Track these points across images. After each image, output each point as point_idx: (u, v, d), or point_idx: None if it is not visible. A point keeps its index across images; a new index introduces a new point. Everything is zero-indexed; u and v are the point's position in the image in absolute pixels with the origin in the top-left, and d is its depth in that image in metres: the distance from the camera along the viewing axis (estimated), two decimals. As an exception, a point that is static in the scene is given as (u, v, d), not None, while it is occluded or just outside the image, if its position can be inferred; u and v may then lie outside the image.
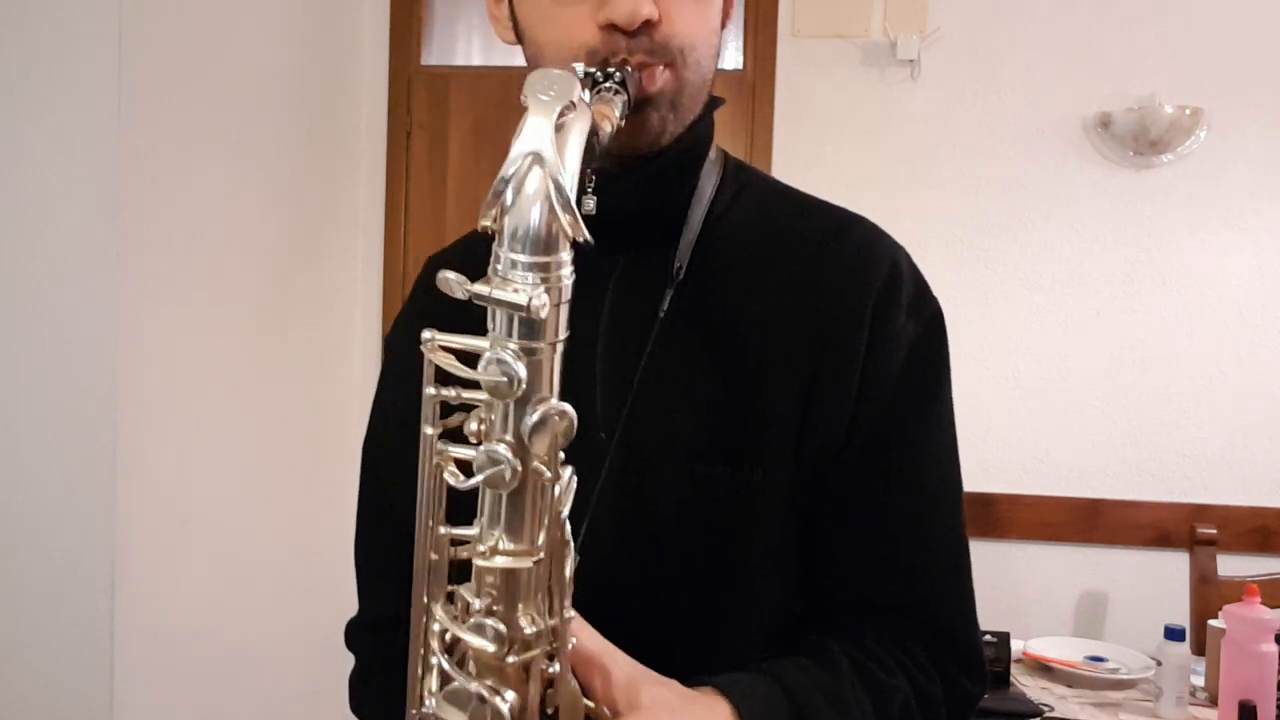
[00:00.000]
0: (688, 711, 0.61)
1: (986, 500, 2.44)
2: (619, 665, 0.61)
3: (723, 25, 0.75)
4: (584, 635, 0.60)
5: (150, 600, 1.60)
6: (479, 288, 0.51)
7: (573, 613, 0.58)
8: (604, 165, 0.62)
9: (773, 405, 0.72)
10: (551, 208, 0.51)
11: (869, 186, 2.48)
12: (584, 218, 0.70)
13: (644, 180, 0.73)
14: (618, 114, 0.61)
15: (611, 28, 0.66)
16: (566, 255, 0.53)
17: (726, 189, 0.79)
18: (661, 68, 0.69)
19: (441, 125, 2.58)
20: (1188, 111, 2.37)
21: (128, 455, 1.54)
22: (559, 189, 0.51)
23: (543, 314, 0.50)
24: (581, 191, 0.69)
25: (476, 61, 2.59)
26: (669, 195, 0.76)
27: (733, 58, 2.55)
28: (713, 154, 0.79)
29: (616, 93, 0.63)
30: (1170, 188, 2.45)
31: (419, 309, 0.86)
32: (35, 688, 1.51)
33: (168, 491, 1.66)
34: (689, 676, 0.64)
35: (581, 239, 0.52)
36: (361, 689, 0.84)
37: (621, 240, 0.75)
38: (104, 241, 1.50)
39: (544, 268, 0.51)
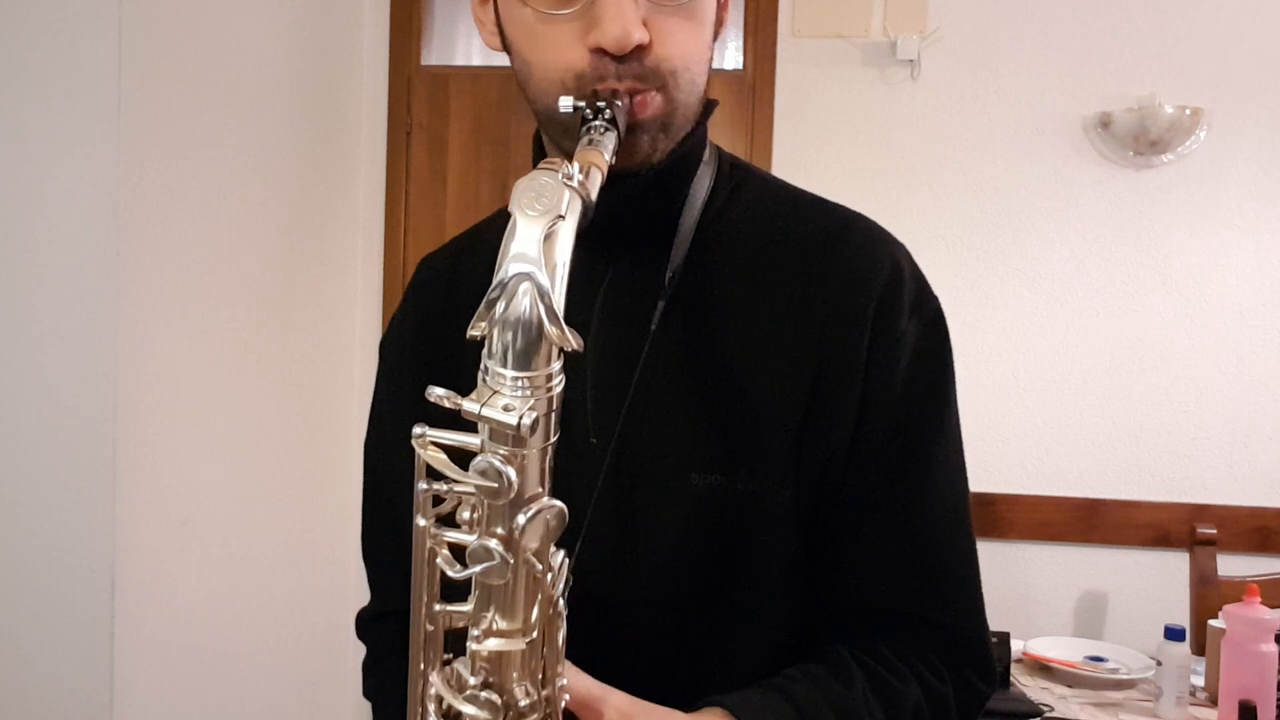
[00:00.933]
0: None
1: (986, 500, 2.44)
2: (613, 707, 0.60)
3: (716, 35, 0.73)
4: (576, 681, 0.60)
5: (150, 600, 1.60)
6: (469, 405, 0.51)
7: (565, 680, 0.58)
8: None
9: (772, 412, 0.70)
10: (540, 320, 0.51)
11: (869, 186, 2.48)
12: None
13: (635, 191, 0.71)
14: (608, 157, 0.60)
15: (601, 51, 0.64)
16: (556, 365, 0.53)
17: (721, 189, 0.78)
18: (653, 93, 0.67)
19: (441, 125, 2.58)
20: (1188, 111, 2.37)
21: (128, 455, 1.54)
22: (547, 302, 0.51)
23: (532, 433, 0.51)
24: None
25: (476, 61, 2.59)
26: (660, 205, 0.74)
27: (733, 58, 2.55)
28: (706, 154, 0.77)
29: (607, 130, 0.62)
30: (1170, 188, 2.45)
31: (411, 312, 0.86)
32: (35, 688, 1.51)
33: (168, 491, 1.66)
34: (690, 687, 0.63)
35: (570, 349, 0.52)
36: (373, 677, 0.85)
37: (611, 248, 0.74)
38: (104, 241, 1.50)
39: (533, 379, 0.52)
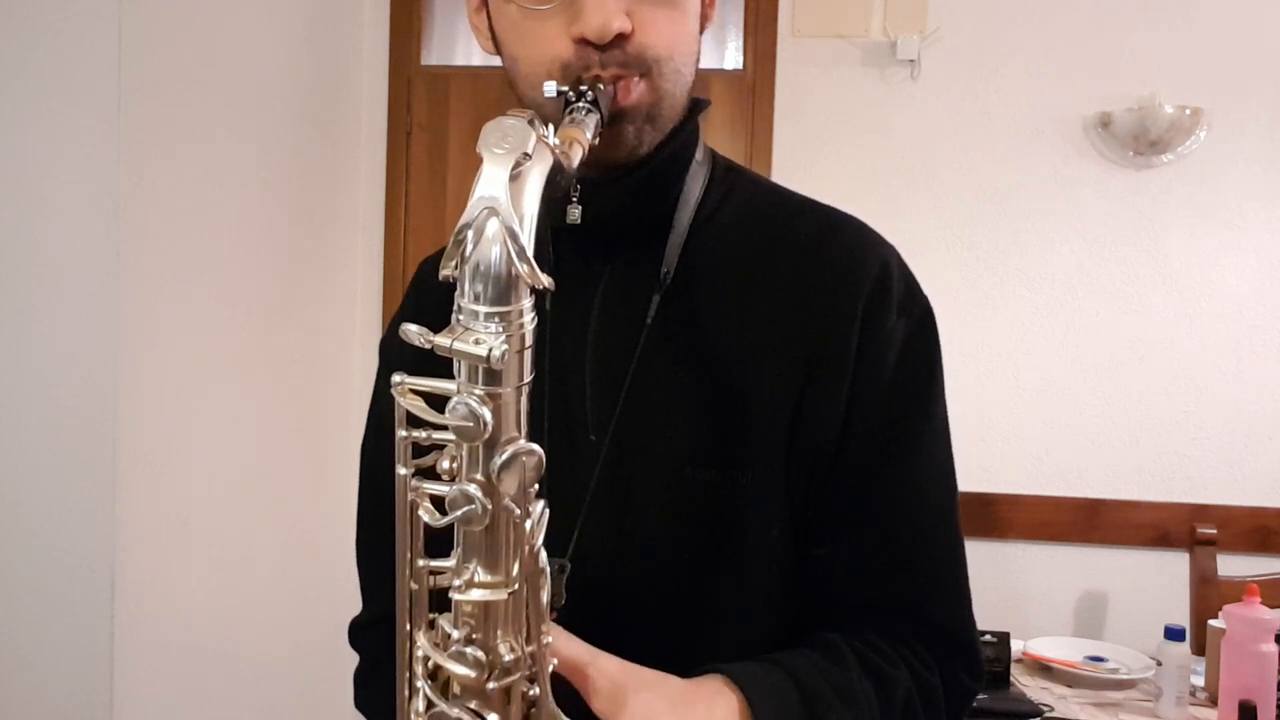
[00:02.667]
0: (679, 716, 0.60)
1: (986, 500, 2.44)
2: (603, 672, 0.60)
3: (702, 29, 0.74)
4: (566, 645, 0.60)
5: (150, 600, 1.60)
6: (441, 339, 0.52)
7: (550, 638, 0.59)
8: (589, 174, 0.63)
9: (763, 408, 0.71)
10: (509, 257, 0.52)
11: (869, 186, 2.48)
12: (570, 227, 0.71)
13: (629, 188, 0.73)
14: (589, 135, 0.62)
15: (584, 41, 0.66)
16: (527, 302, 0.54)
17: (714, 191, 0.79)
18: (636, 79, 0.68)
19: (441, 125, 2.58)
20: (1188, 111, 2.37)
21: (128, 455, 1.54)
22: (515, 239, 0.52)
23: (503, 364, 0.52)
24: (566, 201, 0.70)
25: (476, 61, 2.59)
26: (655, 202, 0.75)
27: (733, 58, 2.55)
28: (700, 156, 0.78)
29: (589, 112, 0.63)
30: (1170, 188, 2.45)
31: (411, 312, 0.86)
32: (35, 688, 1.51)
33: (168, 491, 1.66)
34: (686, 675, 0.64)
35: (540, 287, 0.53)
36: (365, 686, 0.85)
37: (609, 247, 0.75)
38: (104, 241, 1.50)
39: (504, 316, 0.53)
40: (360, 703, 0.84)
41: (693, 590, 0.72)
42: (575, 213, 0.70)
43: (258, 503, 1.98)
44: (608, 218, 0.72)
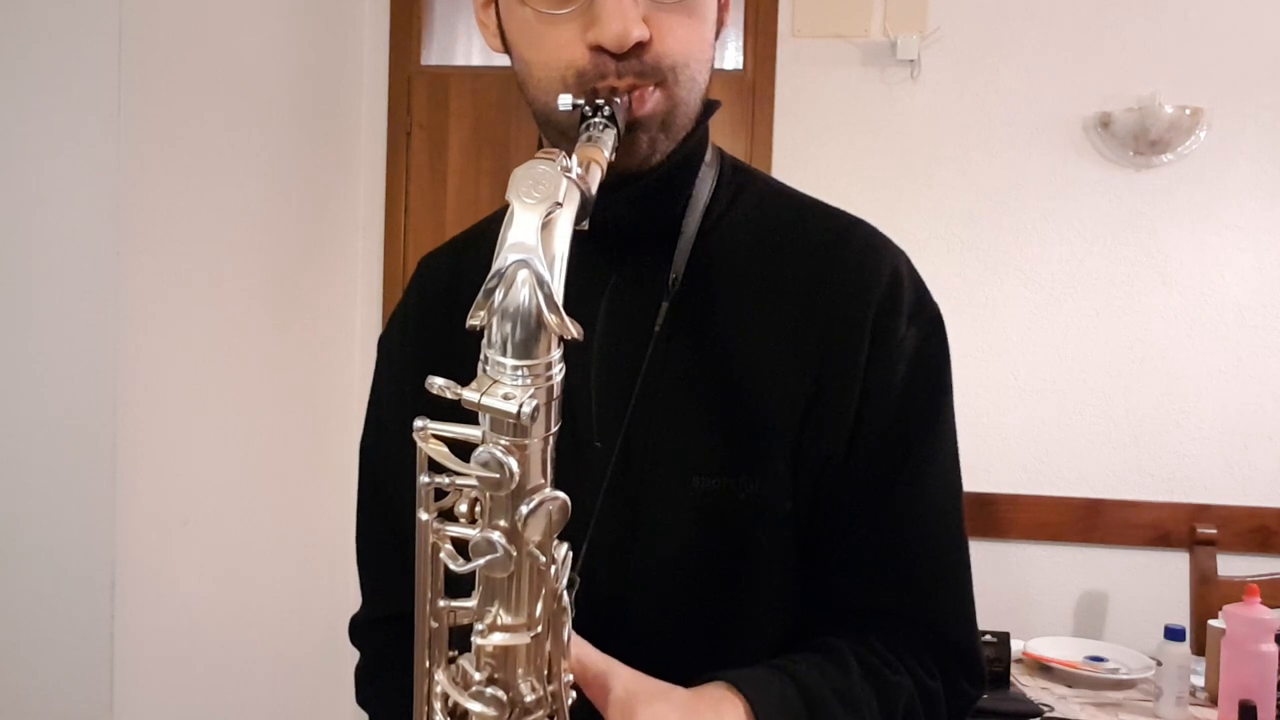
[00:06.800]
0: None
1: (986, 500, 2.44)
2: (619, 682, 0.60)
3: (716, 34, 0.73)
4: (586, 653, 0.60)
5: (150, 600, 1.60)
6: (469, 394, 0.51)
7: (570, 676, 0.58)
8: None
9: (772, 416, 0.71)
10: (539, 307, 0.51)
11: (869, 186, 2.48)
12: (577, 233, 0.70)
13: (638, 193, 0.71)
14: (607, 153, 0.60)
15: (600, 49, 0.65)
16: (556, 354, 0.52)
17: (723, 191, 0.78)
18: (652, 88, 0.67)
19: (441, 125, 2.58)
20: (1188, 111, 2.37)
21: (128, 455, 1.54)
22: (545, 289, 0.51)
23: (533, 420, 0.51)
24: None
25: (476, 61, 2.59)
26: (663, 207, 0.74)
27: (733, 58, 2.55)
28: (708, 156, 0.77)
29: (606, 128, 0.62)
30: (1170, 188, 2.45)
31: (412, 309, 0.86)
32: (35, 688, 1.51)
33: (168, 491, 1.66)
34: (691, 686, 0.64)
35: (569, 338, 0.52)
36: (368, 684, 0.85)
37: (616, 252, 0.74)
38: (104, 241, 1.50)
39: (532, 368, 0.51)
40: (362, 699, 0.84)
41: (699, 598, 0.72)
42: (583, 220, 0.69)
43: (258, 502, 1.98)
44: (615, 223, 0.70)
